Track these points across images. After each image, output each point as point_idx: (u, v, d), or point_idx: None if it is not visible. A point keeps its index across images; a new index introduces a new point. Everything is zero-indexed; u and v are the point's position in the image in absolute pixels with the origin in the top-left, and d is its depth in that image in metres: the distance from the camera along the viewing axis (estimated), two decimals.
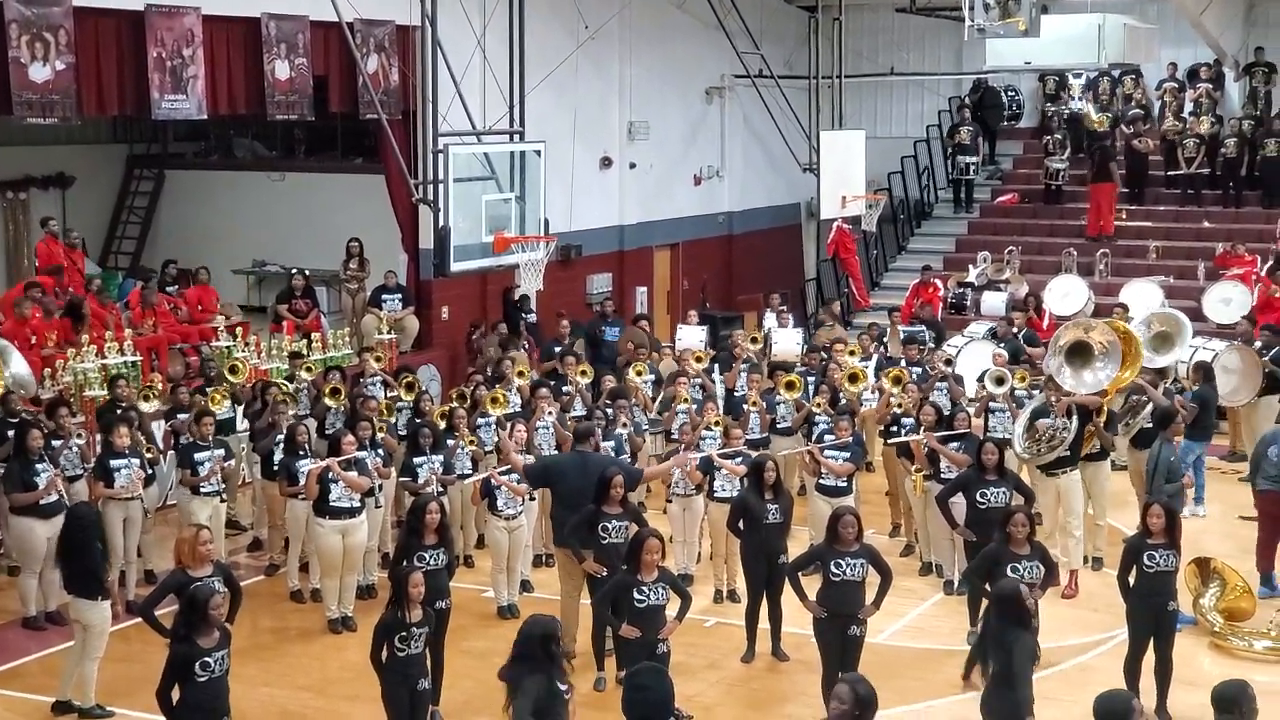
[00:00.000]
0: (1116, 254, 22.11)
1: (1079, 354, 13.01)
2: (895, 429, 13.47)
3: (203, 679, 8.10)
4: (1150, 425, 13.57)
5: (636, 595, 9.32)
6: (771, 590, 10.99)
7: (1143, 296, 19.23)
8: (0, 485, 12.14)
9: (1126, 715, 6.47)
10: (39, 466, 11.75)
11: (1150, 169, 23.30)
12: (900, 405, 13.66)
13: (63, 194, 21.09)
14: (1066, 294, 20.35)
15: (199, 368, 15.26)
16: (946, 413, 13.09)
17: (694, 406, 14.04)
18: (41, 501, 11.68)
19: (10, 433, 12.26)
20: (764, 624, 11.20)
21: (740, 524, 11.21)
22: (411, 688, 8.82)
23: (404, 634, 8.76)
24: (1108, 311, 17.70)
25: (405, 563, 9.86)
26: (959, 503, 11.63)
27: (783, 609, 11.03)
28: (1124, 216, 22.85)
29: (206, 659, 8.11)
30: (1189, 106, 23.39)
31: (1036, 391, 14.22)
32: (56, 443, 12.34)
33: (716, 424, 13.13)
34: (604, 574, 10.46)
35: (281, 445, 12.62)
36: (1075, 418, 12.55)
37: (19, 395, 13.08)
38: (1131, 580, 9.92)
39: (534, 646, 7.55)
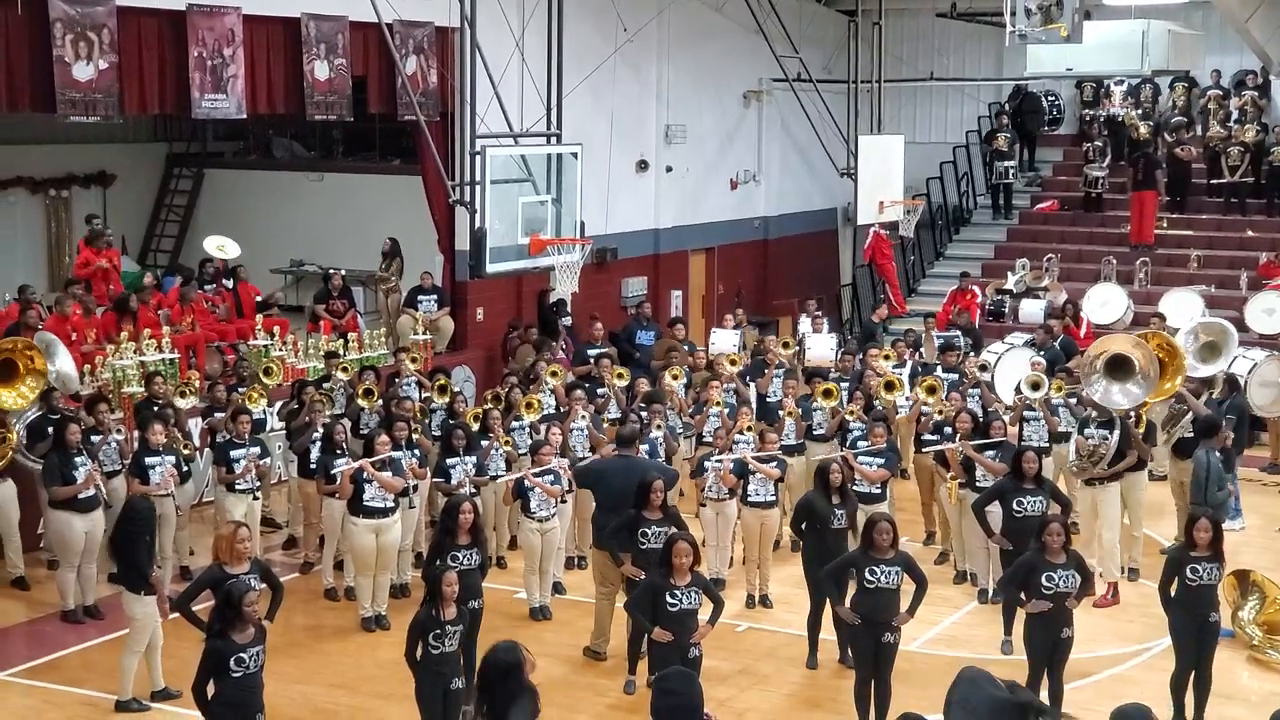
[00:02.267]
0: (1157, 263, 21.94)
1: (1120, 368, 12.92)
2: (935, 436, 13.40)
3: (237, 675, 8.14)
4: (1191, 435, 13.47)
5: (669, 599, 9.31)
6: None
7: (1182, 306, 19.07)
8: (40, 479, 12.27)
9: None
10: (77, 461, 11.86)
11: (1193, 177, 23.12)
12: (941, 412, 13.59)
13: (104, 192, 21.27)
14: (1105, 302, 20.21)
15: (234, 366, 15.35)
16: (982, 420, 13.03)
17: (726, 410, 14.01)
18: (79, 496, 11.79)
19: (51, 429, 12.38)
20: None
21: (804, 527, 11.16)
22: (445, 686, 8.83)
23: (438, 632, 8.77)
24: (1146, 321, 17.57)
25: (439, 562, 9.88)
26: (994, 511, 11.56)
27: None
28: (1165, 225, 22.67)
29: (241, 655, 8.14)
30: (1234, 114, 23.19)
31: (1073, 400, 14.14)
32: (95, 438, 12.45)
33: (750, 429, 13.10)
34: (642, 578, 10.46)
35: (319, 444, 12.68)
36: (1116, 431, 12.48)
37: (60, 393, 13.17)
38: (1172, 592, 9.82)
39: (497, 677, 6.90)
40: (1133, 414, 12.99)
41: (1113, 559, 12.51)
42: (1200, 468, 12.17)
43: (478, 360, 18.31)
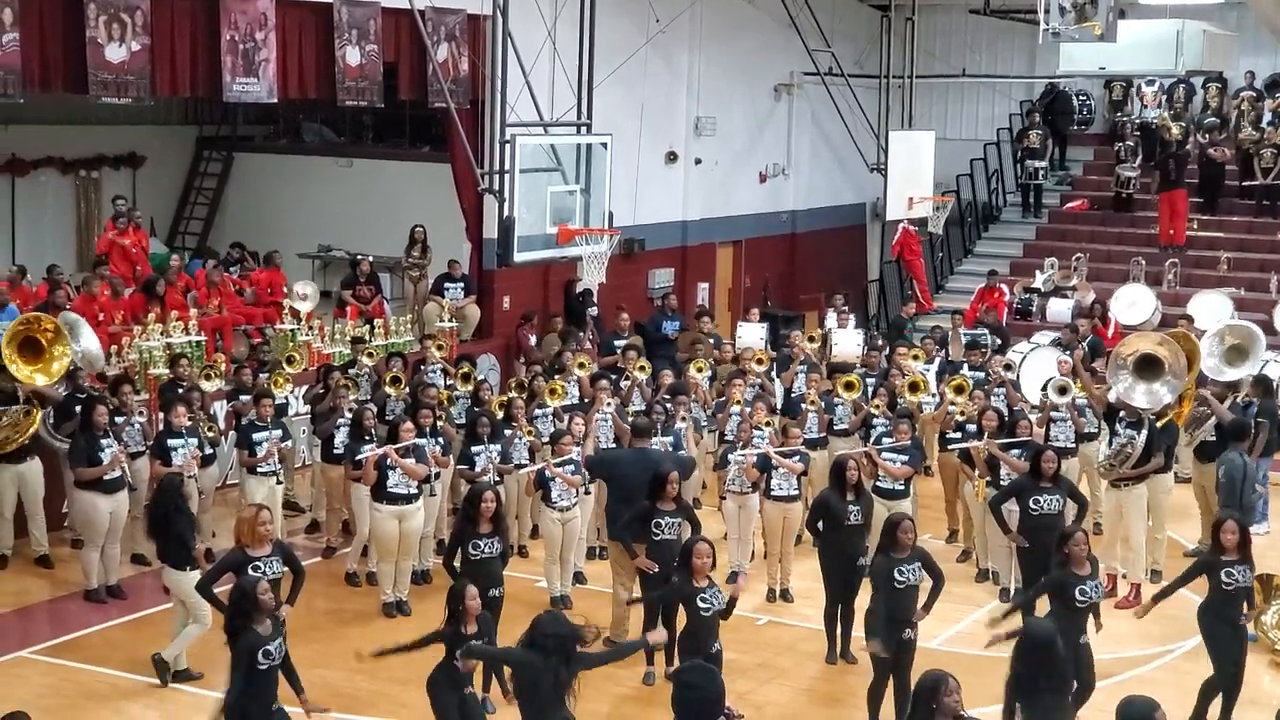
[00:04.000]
0: (1186, 264, 21.82)
1: (1149, 367, 12.85)
2: (958, 434, 13.35)
3: (264, 667, 8.15)
4: (1213, 438, 13.39)
5: (700, 604, 9.28)
6: (848, 592, 10.90)
7: (1211, 308, 18.94)
8: (66, 460, 12.33)
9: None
10: (104, 442, 11.91)
11: (1225, 179, 22.97)
12: (963, 412, 13.54)
13: (133, 173, 21.33)
14: (1133, 303, 20.07)
15: (258, 350, 15.39)
16: (1008, 419, 12.97)
17: (749, 409, 13.97)
18: (105, 477, 11.84)
19: (78, 409, 12.43)
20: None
21: (820, 524, 11.14)
22: (460, 692, 8.81)
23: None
24: (1174, 322, 17.47)
25: (459, 550, 9.92)
26: (1010, 509, 11.51)
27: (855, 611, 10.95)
28: (1195, 226, 22.55)
29: (268, 647, 8.15)
30: (1267, 116, 23.02)
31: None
32: (120, 419, 12.50)
33: (767, 424, 13.06)
34: (655, 570, 10.46)
35: (347, 429, 12.70)
36: (1144, 431, 12.42)
37: (86, 372, 13.23)
38: (1204, 597, 9.73)
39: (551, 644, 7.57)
40: (1153, 414, 12.89)
41: (1140, 561, 12.44)
42: (1235, 470, 12.08)
43: (502, 349, 18.33)
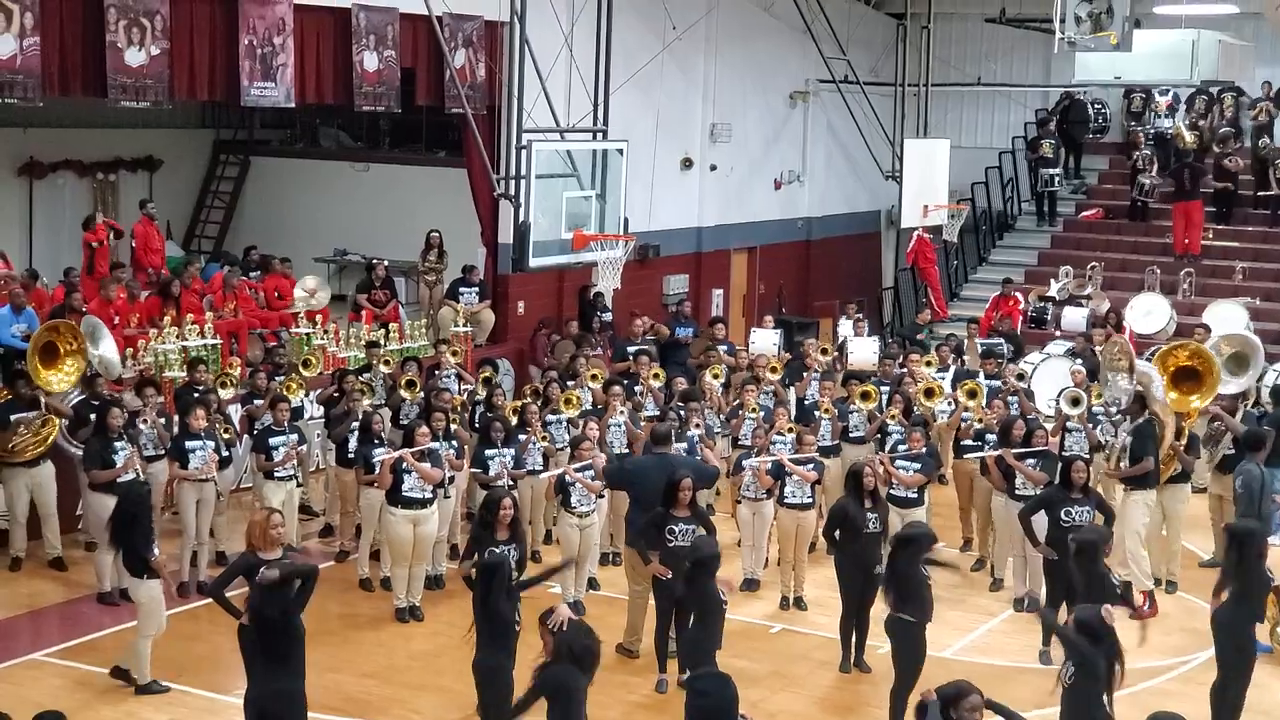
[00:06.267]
0: (1201, 273, 21.77)
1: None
2: (977, 443, 13.32)
3: None
4: (1233, 451, 13.36)
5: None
6: (864, 600, 10.90)
7: (1226, 317, 18.89)
8: (81, 462, 12.36)
9: None
10: (118, 445, 11.94)
11: (1240, 189, 22.93)
12: (980, 420, 13.51)
13: (150, 177, 21.40)
14: (1149, 312, 20.04)
15: (272, 353, 15.42)
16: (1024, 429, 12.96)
17: (762, 414, 13.97)
18: (119, 479, 11.85)
19: (93, 415, 12.46)
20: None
21: (836, 533, 11.13)
22: None
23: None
24: (1190, 332, 17.43)
25: (475, 556, 9.92)
26: (1039, 520, 11.47)
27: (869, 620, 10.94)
28: (1211, 236, 22.50)
29: None
30: None
31: (1113, 410, 14.03)
32: (137, 421, 12.53)
33: (790, 430, 13.06)
34: (669, 576, 10.45)
35: (357, 434, 12.71)
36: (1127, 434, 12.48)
37: (103, 378, 13.26)
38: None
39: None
40: (1151, 416, 12.84)
41: (1138, 566, 12.36)
42: (1253, 481, 12.03)
43: (517, 353, 18.34)
